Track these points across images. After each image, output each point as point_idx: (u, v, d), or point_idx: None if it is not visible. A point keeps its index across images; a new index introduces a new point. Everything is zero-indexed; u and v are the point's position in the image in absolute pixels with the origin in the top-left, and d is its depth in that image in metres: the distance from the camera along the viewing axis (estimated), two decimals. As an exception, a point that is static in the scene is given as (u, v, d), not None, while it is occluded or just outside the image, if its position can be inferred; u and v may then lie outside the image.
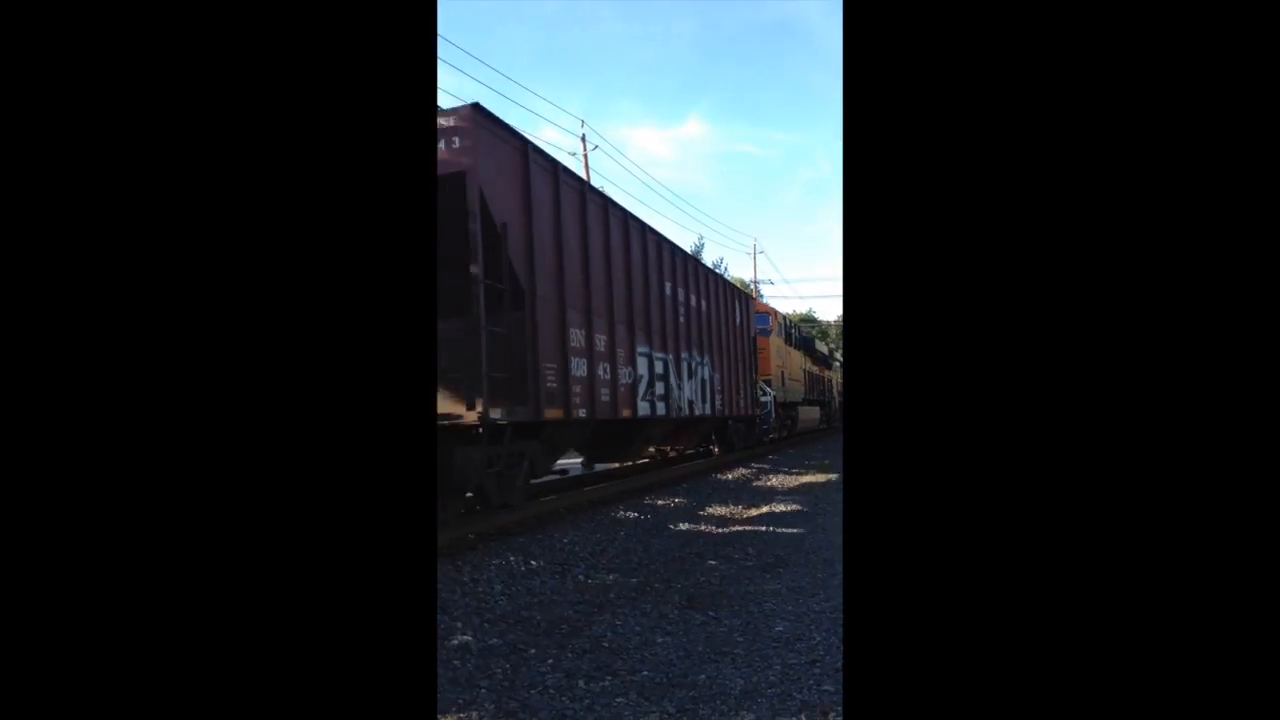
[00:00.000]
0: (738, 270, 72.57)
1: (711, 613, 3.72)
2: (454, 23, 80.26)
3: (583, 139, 19.63)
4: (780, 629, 3.41)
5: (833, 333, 67.39)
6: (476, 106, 5.33)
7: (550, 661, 3.04)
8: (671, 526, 6.29)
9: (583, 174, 15.76)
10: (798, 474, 10.76)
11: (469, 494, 5.52)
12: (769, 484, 9.69)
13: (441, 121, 5.27)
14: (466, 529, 5.21)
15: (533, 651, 3.16)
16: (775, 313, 16.86)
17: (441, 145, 5.25)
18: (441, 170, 5.09)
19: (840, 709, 2.45)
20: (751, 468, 11.42)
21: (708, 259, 38.60)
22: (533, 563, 4.75)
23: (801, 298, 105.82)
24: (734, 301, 12.18)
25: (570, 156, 26.17)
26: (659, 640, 3.29)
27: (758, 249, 54.03)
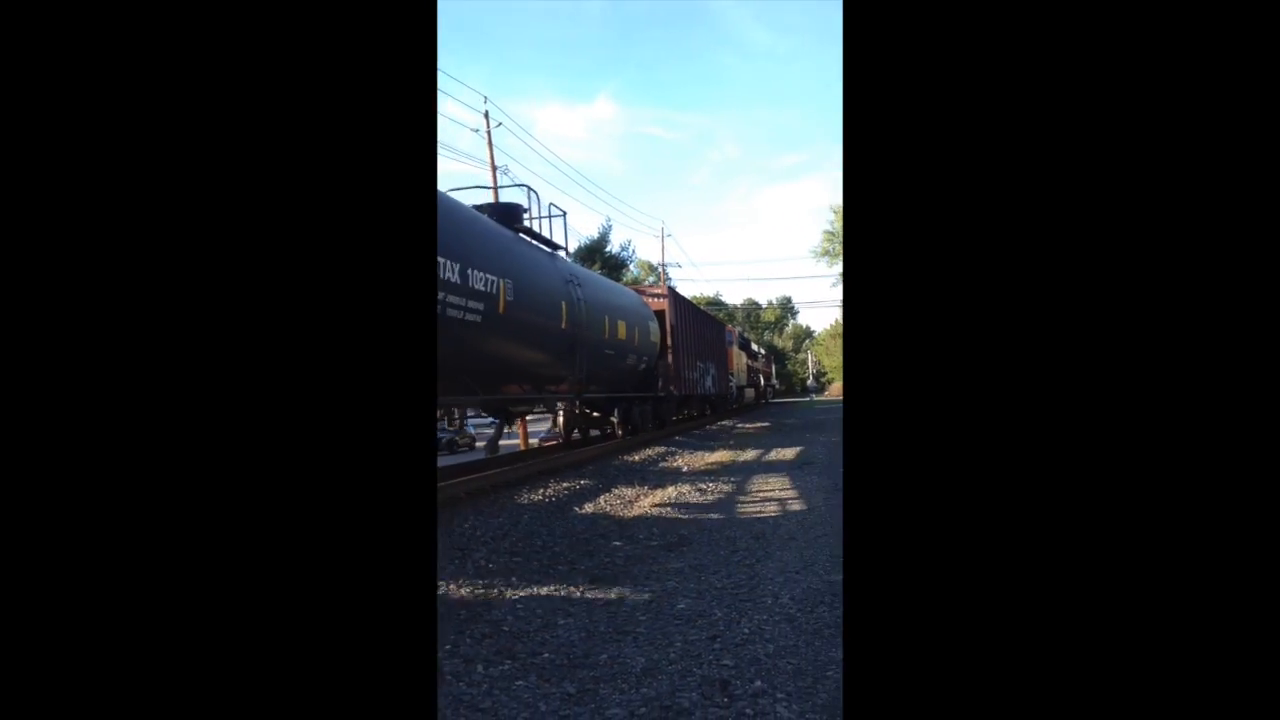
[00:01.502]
0: (646, 253, 69.74)
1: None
2: None
3: (486, 115, 21.26)
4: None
5: (739, 315, 67.98)
6: (670, 288, 15.49)
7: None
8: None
9: (485, 153, 19.44)
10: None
11: (657, 422, 15.53)
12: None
13: (656, 290, 15.42)
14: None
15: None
16: (735, 330, 27.45)
17: (654, 299, 15.27)
18: (658, 306, 15.15)
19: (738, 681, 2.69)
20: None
21: (615, 241, 38.69)
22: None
23: (708, 280, 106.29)
24: (720, 330, 22.58)
25: (474, 133, 29.19)
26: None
27: (665, 232, 53.54)
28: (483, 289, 6.91)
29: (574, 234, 50.35)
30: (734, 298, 75.37)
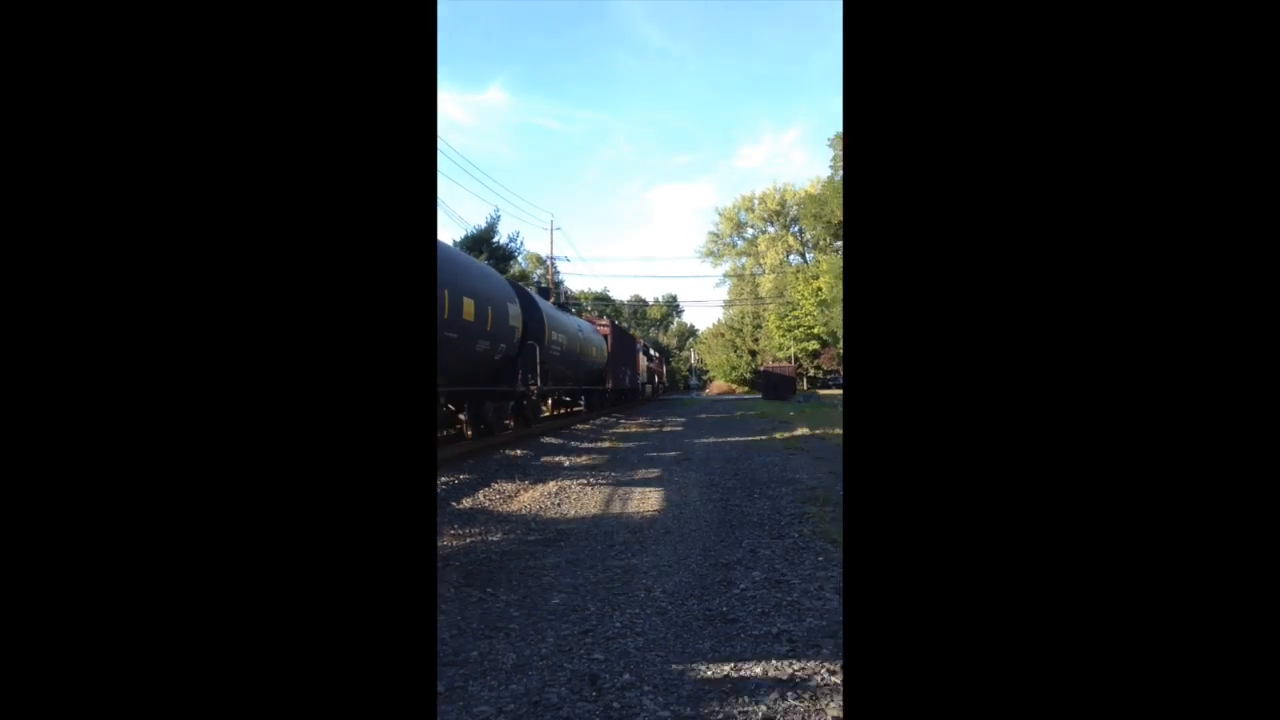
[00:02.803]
0: (534, 245, 69.29)
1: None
2: None
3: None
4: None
5: (625, 311, 69.50)
6: (612, 321, 24.67)
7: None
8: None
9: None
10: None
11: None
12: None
13: (602, 322, 24.51)
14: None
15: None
16: (640, 340, 36.83)
17: (601, 327, 24.17)
18: (604, 331, 24.07)
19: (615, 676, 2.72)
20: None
21: (504, 232, 38.98)
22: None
23: (596, 275, 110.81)
24: (633, 342, 31.88)
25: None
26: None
27: (554, 225, 52.45)
28: (563, 342, 15.99)
29: (460, 224, 51.82)
30: (621, 294, 77.63)
